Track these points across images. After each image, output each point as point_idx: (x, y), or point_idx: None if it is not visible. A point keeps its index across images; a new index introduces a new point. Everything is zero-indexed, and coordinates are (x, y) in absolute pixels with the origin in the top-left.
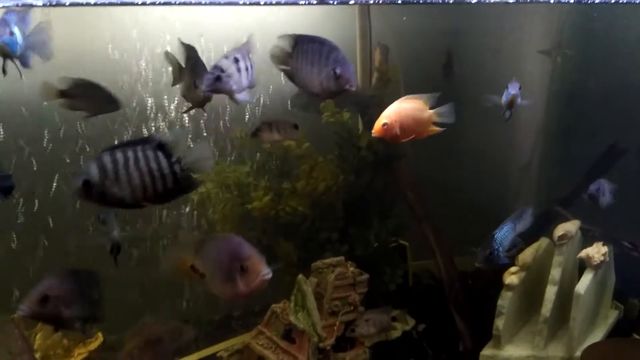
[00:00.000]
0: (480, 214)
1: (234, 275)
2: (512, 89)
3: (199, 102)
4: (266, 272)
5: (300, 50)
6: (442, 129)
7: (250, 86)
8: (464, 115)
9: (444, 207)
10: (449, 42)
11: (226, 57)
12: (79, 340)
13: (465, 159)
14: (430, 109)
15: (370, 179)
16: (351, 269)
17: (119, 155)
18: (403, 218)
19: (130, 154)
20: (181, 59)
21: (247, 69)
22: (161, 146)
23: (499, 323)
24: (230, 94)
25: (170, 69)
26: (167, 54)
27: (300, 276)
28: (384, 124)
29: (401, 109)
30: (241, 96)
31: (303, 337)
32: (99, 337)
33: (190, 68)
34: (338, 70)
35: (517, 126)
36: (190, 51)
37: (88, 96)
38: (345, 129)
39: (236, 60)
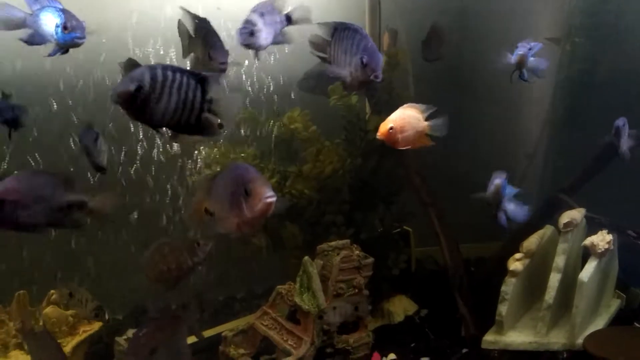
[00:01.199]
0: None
1: (239, 201)
2: (522, 49)
3: None
4: (270, 195)
5: (337, 38)
6: (432, 143)
7: (277, 42)
8: (472, 100)
9: (449, 193)
10: (458, 21)
11: (254, 11)
12: (84, 317)
13: (471, 145)
14: (426, 119)
15: (377, 163)
16: (356, 252)
17: (169, 73)
18: (408, 203)
19: (177, 75)
20: (191, 30)
21: (271, 24)
22: (202, 81)
23: (502, 309)
24: (259, 49)
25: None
26: (179, 23)
27: (306, 258)
28: (391, 128)
29: (405, 116)
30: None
31: (308, 318)
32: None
33: (202, 39)
34: (365, 59)
35: (523, 113)
36: (201, 22)
37: None
38: (353, 112)
39: (262, 15)
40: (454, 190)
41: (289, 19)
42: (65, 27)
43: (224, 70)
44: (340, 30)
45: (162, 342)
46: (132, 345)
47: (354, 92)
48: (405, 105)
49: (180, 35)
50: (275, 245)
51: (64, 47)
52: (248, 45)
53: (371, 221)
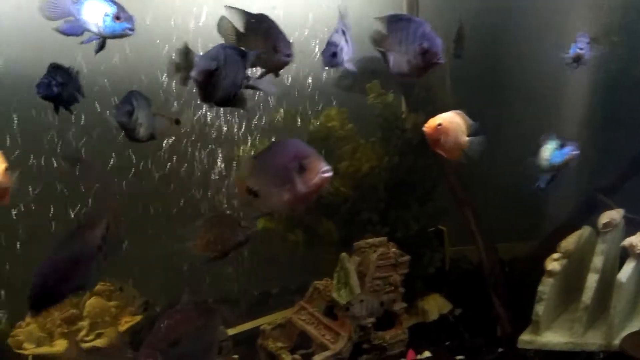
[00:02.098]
0: (520, 203)
1: (291, 177)
2: (581, 44)
3: (277, 67)
4: (326, 169)
5: (392, 30)
6: (461, 161)
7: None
8: (507, 99)
9: (482, 193)
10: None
11: (336, 31)
12: (126, 308)
13: (505, 145)
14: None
15: (413, 161)
16: (393, 249)
17: (230, 51)
18: (443, 202)
19: (234, 53)
20: (241, 26)
21: (348, 40)
22: (243, 55)
23: (539, 309)
24: (339, 66)
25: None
26: (221, 20)
27: (344, 254)
28: (439, 125)
29: (455, 122)
30: (349, 65)
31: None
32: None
33: (264, 33)
34: (425, 45)
35: (560, 113)
36: (259, 18)
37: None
38: (390, 110)
39: (343, 33)
40: (486, 191)
41: None
42: (117, 17)
43: (289, 62)
44: (394, 22)
45: (186, 335)
46: (150, 337)
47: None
48: (457, 111)
49: (221, 32)
50: (310, 241)
51: (110, 36)
52: (332, 66)
53: (406, 220)
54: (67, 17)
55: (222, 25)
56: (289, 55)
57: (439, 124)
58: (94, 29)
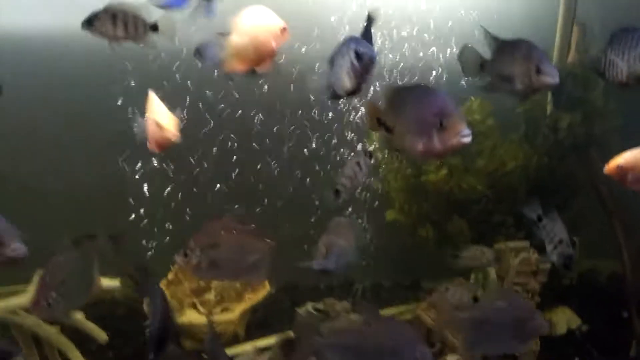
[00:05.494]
0: None
1: (430, 130)
2: None
3: (537, 89)
4: (466, 133)
5: (617, 40)
6: None
7: None
8: None
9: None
10: None
11: None
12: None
13: None
14: None
15: (559, 164)
16: (535, 255)
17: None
18: (583, 211)
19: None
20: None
21: None
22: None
23: None
24: None
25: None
26: (465, 48)
27: None
28: (618, 166)
29: None
30: None
31: None
32: (266, 287)
33: (525, 54)
34: None
35: None
36: (517, 40)
37: None
38: (539, 108)
39: None
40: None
41: None
42: None
43: (555, 83)
44: (621, 33)
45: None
46: None
47: None
48: None
49: (463, 60)
50: (441, 239)
51: None
52: None
53: None
54: None
55: (466, 53)
56: (555, 76)
57: (618, 165)
58: None
